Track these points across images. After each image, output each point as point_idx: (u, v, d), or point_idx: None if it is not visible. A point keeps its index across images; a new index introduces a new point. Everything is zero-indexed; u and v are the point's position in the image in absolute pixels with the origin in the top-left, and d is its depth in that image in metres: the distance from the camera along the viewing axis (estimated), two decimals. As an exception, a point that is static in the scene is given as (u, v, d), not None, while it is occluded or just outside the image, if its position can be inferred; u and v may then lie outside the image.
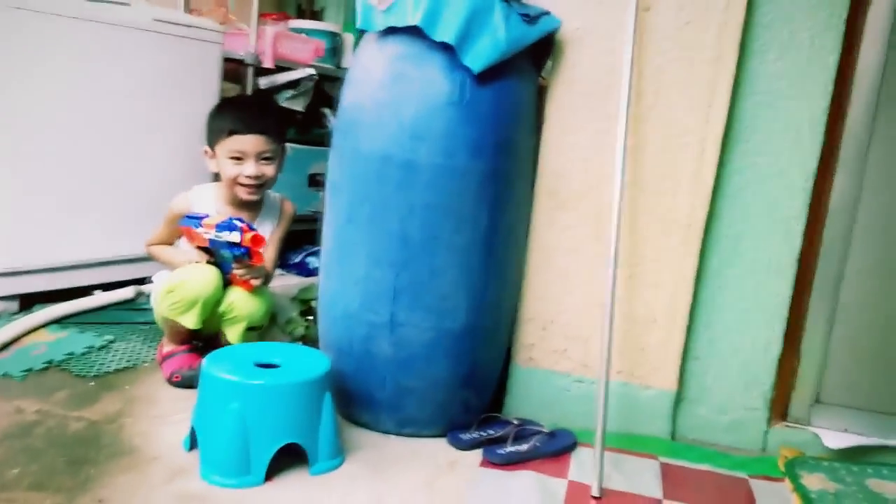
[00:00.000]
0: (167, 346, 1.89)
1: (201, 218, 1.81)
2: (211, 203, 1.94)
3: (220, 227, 1.75)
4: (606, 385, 1.56)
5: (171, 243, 1.98)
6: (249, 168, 1.87)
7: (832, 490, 1.58)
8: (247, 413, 1.40)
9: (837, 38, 1.64)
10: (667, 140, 1.71)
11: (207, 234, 1.77)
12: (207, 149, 1.94)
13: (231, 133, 1.86)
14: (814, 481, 1.61)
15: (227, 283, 1.83)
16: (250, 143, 1.86)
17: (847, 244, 1.74)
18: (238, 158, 1.87)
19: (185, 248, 1.92)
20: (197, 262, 1.82)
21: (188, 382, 1.78)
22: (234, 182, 1.88)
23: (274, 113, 2.07)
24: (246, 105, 2.14)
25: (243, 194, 1.90)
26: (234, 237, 1.73)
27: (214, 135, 1.90)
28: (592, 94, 1.72)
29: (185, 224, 1.83)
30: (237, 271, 1.80)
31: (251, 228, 1.77)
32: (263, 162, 1.89)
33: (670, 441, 1.79)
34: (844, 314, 1.77)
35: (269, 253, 1.91)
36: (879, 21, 1.66)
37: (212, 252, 1.82)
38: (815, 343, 1.79)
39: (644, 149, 1.72)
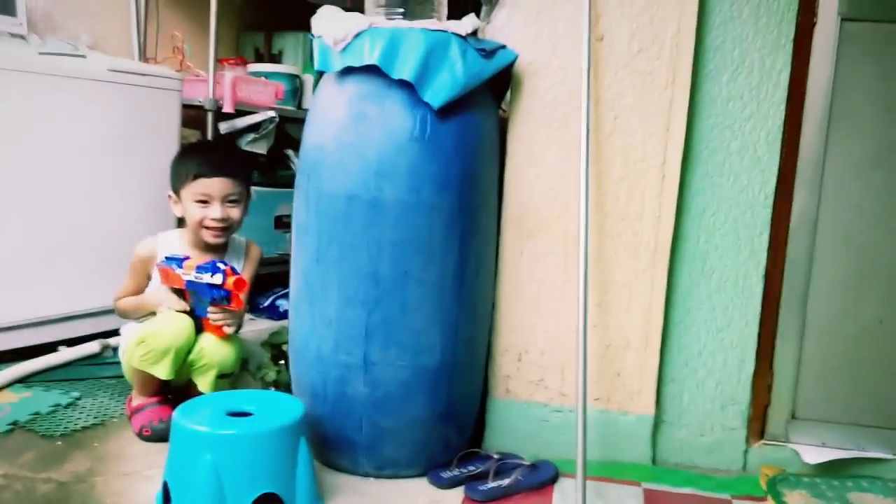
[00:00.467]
0: (136, 399, 1.83)
1: (183, 259, 1.78)
2: (176, 248, 1.91)
3: (201, 269, 1.73)
4: (584, 413, 1.55)
5: (140, 293, 1.93)
6: (215, 211, 1.85)
7: (815, 505, 1.58)
8: (220, 464, 1.36)
9: (787, 57, 1.69)
10: (628, 165, 1.73)
11: (186, 275, 1.75)
12: (171, 193, 1.92)
13: (196, 177, 1.85)
14: (796, 498, 1.61)
15: (199, 329, 1.80)
16: (216, 185, 1.85)
17: (811, 258, 1.76)
18: (204, 202, 1.86)
19: (156, 289, 1.88)
20: (169, 308, 1.79)
21: (159, 436, 1.72)
22: (200, 225, 1.87)
23: (239, 156, 2.07)
24: (210, 149, 2.14)
25: (209, 237, 1.88)
26: (217, 279, 1.71)
27: (179, 179, 1.88)
28: (552, 124, 1.74)
29: (165, 265, 1.80)
30: (213, 316, 1.76)
31: (234, 272, 1.75)
32: (229, 204, 1.88)
33: (652, 466, 1.78)
34: (814, 328, 1.79)
35: None
36: (827, 37, 1.70)
37: (185, 295, 1.80)
38: (788, 359, 1.80)
39: (607, 175, 1.74)
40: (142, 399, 1.83)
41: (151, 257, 1.90)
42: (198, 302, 1.79)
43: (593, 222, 1.74)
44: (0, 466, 1.59)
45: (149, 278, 1.91)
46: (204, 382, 1.78)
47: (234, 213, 1.90)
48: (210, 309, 1.76)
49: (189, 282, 1.75)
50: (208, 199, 1.86)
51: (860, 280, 1.76)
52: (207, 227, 1.87)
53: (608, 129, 1.73)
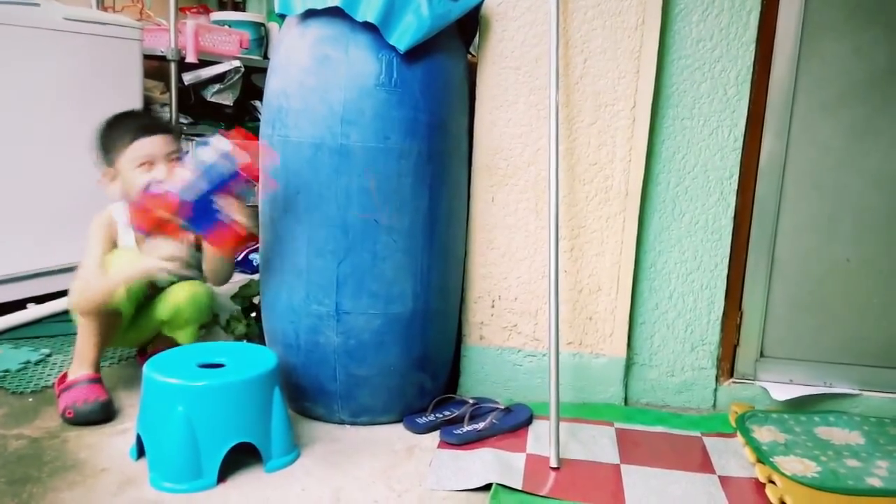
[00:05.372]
0: (71, 373, 1.68)
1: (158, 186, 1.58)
2: (124, 230, 1.74)
3: (198, 149, 1.51)
4: (556, 357, 1.57)
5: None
6: (161, 171, 1.68)
7: (782, 441, 1.62)
8: (193, 415, 1.36)
9: (757, -3, 1.67)
10: (598, 109, 1.71)
11: (178, 178, 1.51)
12: (106, 170, 1.74)
13: (133, 139, 1.69)
14: (764, 434, 1.64)
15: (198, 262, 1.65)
16: (157, 143, 1.70)
17: (780, 199, 1.78)
18: (147, 164, 1.69)
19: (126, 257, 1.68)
20: (161, 257, 1.58)
21: (83, 419, 1.60)
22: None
23: (161, 117, 1.86)
24: (135, 114, 1.89)
25: None
26: (223, 145, 1.49)
27: (112, 149, 1.72)
28: (521, 68, 1.72)
29: (147, 193, 1.58)
30: (227, 209, 1.53)
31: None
32: (173, 163, 1.71)
33: (624, 406, 1.81)
34: (782, 269, 1.81)
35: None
36: (796, -23, 1.69)
37: (168, 229, 1.57)
38: (756, 299, 1.82)
39: (577, 119, 1.72)
40: (76, 374, 1.67)
41: (112, 221, 1.74)
42: (199, 213, 1.52)
43: (564, 167, 1.73)
44: (-30, 425, 1.58)
45: (115, 245, 1.74)
46: (185, 336, 1.73)
47: (181, 169, 1.66)
48: (221, 203, 1.52)
49: (184, 188, 1.50)
50: (152, 159, 1.69)
51: (828, 220, 1.78)
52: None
53: (578, 72, 1.71)
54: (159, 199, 1.55)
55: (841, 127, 1.74)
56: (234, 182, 1.53)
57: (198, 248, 1.72)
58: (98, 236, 1.72)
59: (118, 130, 1.73)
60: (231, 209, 1.54)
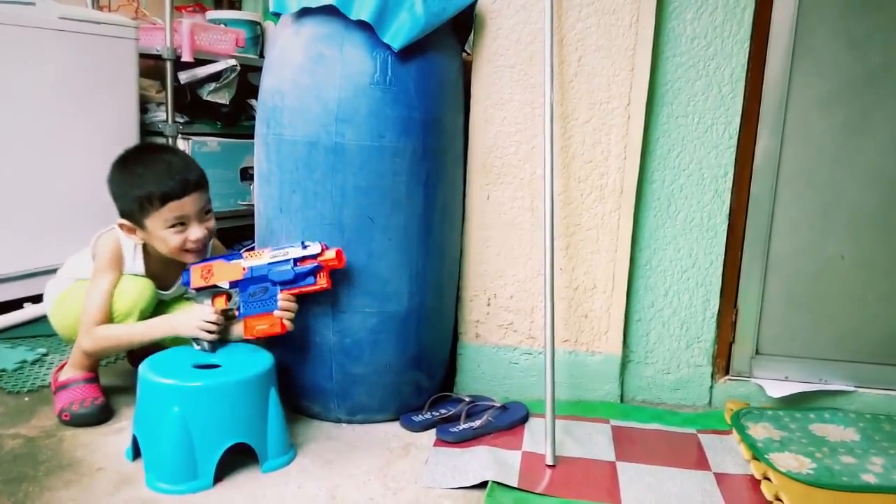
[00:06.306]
0: (65, 372, 1.66)
1: (241, 251, 1.58)
2: (131, 258, 1.66)
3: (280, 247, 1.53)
4: (552, 355, 1.57)
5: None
6: (196, 231, 1.59)
7: (777, 437, 1.62)
8: (188, 416, 1.36)
9: (751, -6, 1.67)
10: (593, 107, 1.71)
11: (254, 260, 1.53)
12: (124, 223, 1.61)
13: (164, 201, 1.56)
14: (759, 430, 1.65)
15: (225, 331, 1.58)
16: (189, 204, 1.58)
17: (775, 197, 1.78)
18: (180, 224, 1.59)
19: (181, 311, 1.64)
20: (202, 320, 1.53)
21: (79, 421, 1.58)
22: (181, 250, 1.60)
23: (195, 162, 1.68)
24: (167, 164, 1.62)
25: (192, 259, 1.62)
26: (312, 249, 1.50)
27: (139, 209, 1.57)
28: (516, 66, 1.72)
29: (214, 261, 1.58)
30: (283, 304, 1.51)
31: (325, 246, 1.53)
32: (206, 216, 1.63)
33: (619, 404, 1.82)
34: (777, 266, 1.81)
35: None
36: (790, -25, 1.69)
37: (218, 297, 1.58)
38: (752, 296, 1.83)
39: (572, 117, 1.72)
40: (71, 373, 1.65)
41: (119, 245, 1.65)
42: (251, 298, 1.54)
43: (559, 165, 1.73)
44: (-34, 425, 1.58)
45: (121, 273, 1.65)
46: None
47: (212, 223, 1.65)
48: (281, 296, 1.52)
49: (253, 268, 1.53)
50: (185, 220, 1.59)
51: (822, 217, 1.78)
52: (189, 251, 1.61)
53: (573, 70, 1.71)
54: (226, 268, 1.56)
55: (835, 124, 1.74)
56: (302, 278, 1.52)
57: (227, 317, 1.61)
58: (107, 264, 1.63)
59: (142, 189, 1.57)
60: (286, 305, 1.53)
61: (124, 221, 1.62)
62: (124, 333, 1.61)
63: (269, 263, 1.53)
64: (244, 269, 1.55)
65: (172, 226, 1.58)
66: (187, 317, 1.56)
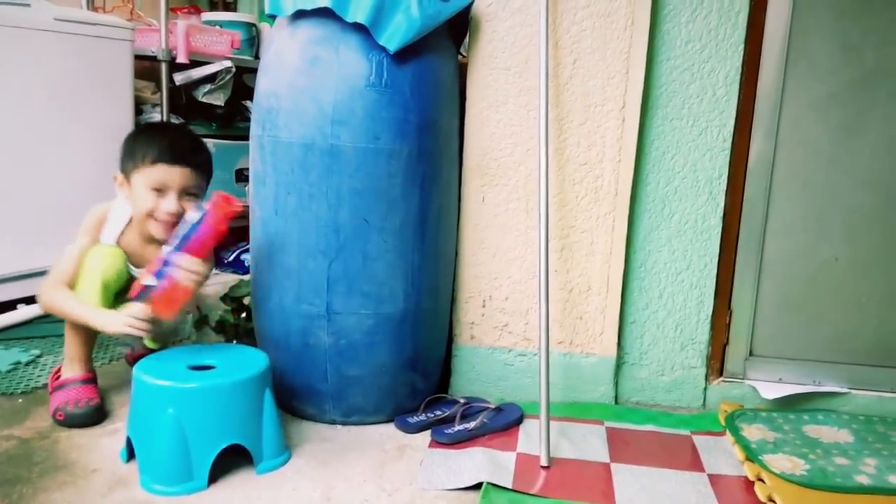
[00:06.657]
0: (64, 371, 1.67)
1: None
2: (119, 229, 1.68)
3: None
4: (547, 356, 1.57)
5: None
6: (170, 203, 1.61)
7: (771, 439, 1.63)
8: (183, 418, 1.36)
9: (745, -3, 1.68)
10: (588, 109, 1.72)
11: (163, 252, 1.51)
12: (119, 175, 1.67)
13: (155, 161, 1.60)
14: (753, 432, 1.65)
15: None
16: (176, 174, 1.61)
17: (769, 199, 1.78)
18: (159, 190, 1.62)
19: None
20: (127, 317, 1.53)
21: (74, 422, 1.59)
22: (148, 215, 1.63)
23: (206, 151, 1.73)
24: (176, 134, 1.78)
25: (156, 231, 1.63)
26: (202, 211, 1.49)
27: (133, 160, 1.63)
28: (511, 69, 1.72)
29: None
30: (179, 262, 1.48)
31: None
32: (186, 198, 1.63)
33: (614, 405, 1.82)
34: (771, 268, 1.82)
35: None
36: (784, -22, 1.70)
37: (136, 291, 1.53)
38: (746, 298, 1.83)
39: (567, 119, 1.73)
40: (68, 373, 1.67)
41: (105, 217, 1.69)
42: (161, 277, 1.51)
43: (554, 168, 1.74)
44: (-40, 426, 1.57)
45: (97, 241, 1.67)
46: None
47: (188, 208, 1.61)
48: (175, 258, 1.49)
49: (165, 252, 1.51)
50: (164, 188, 1.61)
51: (816, 219, 1.79)
52: (157, 220, 1.63)
53: (568, 72, 1.71)
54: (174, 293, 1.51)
55: (829, 126, 1.75)
56: (199, 241, 1.50)
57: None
58: (87, 228, 1.68)
59: (145, 144, 1.63)
60: (186, 265, 1.49)
61: (119, 174, 1.67)
62: (76, 311, 1.59)
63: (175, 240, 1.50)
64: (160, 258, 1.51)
65: (154, 189, 1.61)
66: (117, 313, 1.55)
